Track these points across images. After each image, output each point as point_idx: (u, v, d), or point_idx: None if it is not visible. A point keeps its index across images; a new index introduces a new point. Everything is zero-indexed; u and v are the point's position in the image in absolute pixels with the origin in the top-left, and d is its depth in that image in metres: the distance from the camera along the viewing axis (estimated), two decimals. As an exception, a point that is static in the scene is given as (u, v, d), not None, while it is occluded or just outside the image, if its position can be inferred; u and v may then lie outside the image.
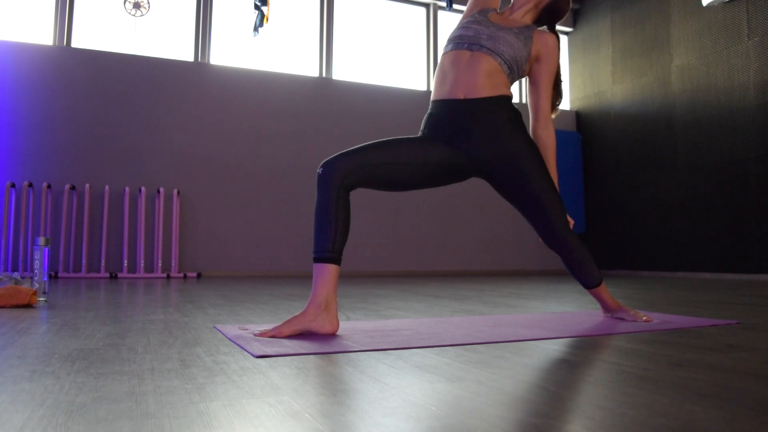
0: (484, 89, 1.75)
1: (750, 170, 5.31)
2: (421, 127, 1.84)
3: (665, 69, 6.15)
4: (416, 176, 1.71)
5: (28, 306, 2.22)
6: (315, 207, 1.60)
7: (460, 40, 1.82)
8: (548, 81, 1.88)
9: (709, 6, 5.65)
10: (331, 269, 1.55)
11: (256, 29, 5.50)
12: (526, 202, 1.81)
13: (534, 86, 1.90)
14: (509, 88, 1.83)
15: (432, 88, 1.88)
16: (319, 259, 1.56)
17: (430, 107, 1.85)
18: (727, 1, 5.51)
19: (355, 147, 1.67)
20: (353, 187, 1.62)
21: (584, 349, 1.37)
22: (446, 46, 1.88)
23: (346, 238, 1.59)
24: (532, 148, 1.81)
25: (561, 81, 1.99)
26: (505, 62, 1.78)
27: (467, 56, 1.79)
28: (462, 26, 1.87)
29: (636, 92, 6.49)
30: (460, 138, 1.75)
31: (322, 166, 1.61)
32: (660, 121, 6.18)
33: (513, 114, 1.80)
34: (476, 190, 6.29)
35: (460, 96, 1.76)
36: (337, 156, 1.63)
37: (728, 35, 5.53)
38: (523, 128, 1.82)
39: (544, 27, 2.01)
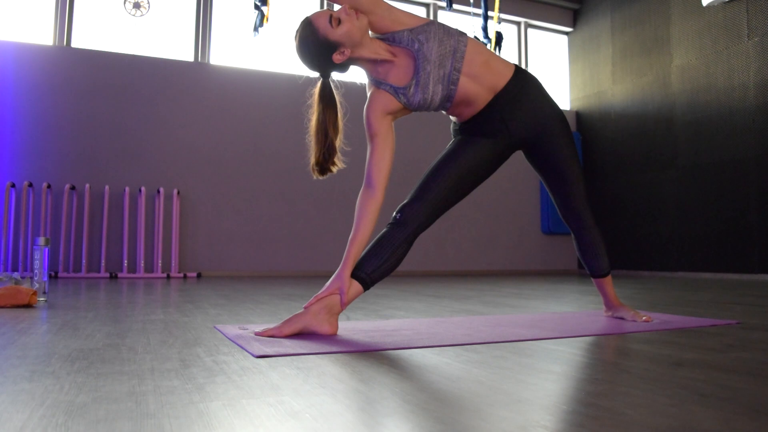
0: (498, 81, 1.72)
1: (750, 170, 5.31)
2: (454, 130, 1.83)
3: (665, 69, 6.15)
4: (476, 183, 1.79)
5: (28, 306, 2.21)
6: (381, 234, 1.64)
7: (445, 100, 1.67)
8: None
9: (709, 6, 5.65)
10: (355, 287, 1.58)
11: (256, 29, 5.49)
12: (550, 169, 1.83)
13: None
14: (505, 61, 1.78)
15: (455, 119, 1.83)
16: (353, 273, 1.58)
17: (459, 123, 1.81)
18: (727, 1, 5.51)
19: (422, 186, 1.70)
20: (424, 230, 1.69)
21: (584, 349, 1.37)
22: (442, 108, 1.72)
23: (388, 275, 1.63)
24: (561, 116, 1.83)
25: None
26: (466, 34, 1.69)
27: (462, 92, 1.68)
28: (422, 90, 1.65)
29: (636, 92, 6.49)
30: (497, 125, 1.75)
31: (401, 213, 1.66)
32: (660, 121, 6.18)
33: (534, 83, 1.79)
34: (476, 190, 6.28)
35: (489, 98, 1.72)
36: (413, 203, 1.66)
37: (728, 35, 5.53)
38: (548, 95, 1.82)
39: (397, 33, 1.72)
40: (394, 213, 1.67)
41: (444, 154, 1.77)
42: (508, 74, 1.74)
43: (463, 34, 1.68)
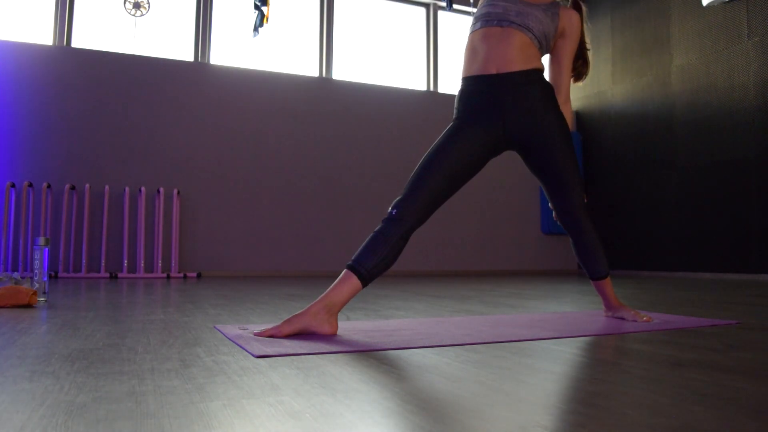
0: (517, 63, 1.77)
1: (750, 170, 5.31)
2: (455, 104, 1.86)
3: (665, 69, 6.15)
4: (469, 176, 1.78)
5: (28, 306, 2.21)
6: (377, 230, 1.64)
7: (488, 18, 1.83)
8: (571, 57, 1.93)
9: (709, 6, 5.65)
10: (355, 283, 1.57)
11: (256, 29, 5.50)
12: (549, 175, 1.84)
13: (557, 62, 1.93)
14: (540, 61, 1.85)
15: (462, 66, 1.91)
16: (353, 269, 1.58)
17: (461, 84, 1.87)
18: (727, 1, 5.51)
19: (415, 181, 1.69)
20: (420, 226, 1.70)
21: (584, 349, 1.37)
22: (474, 24, 1.88)
23: (386, 271, 1.64)
24: (563, 124, 1.84)
25: (588, 49, 2.00)
26: (535, 37, 1.81)
27: (498, 32, 1.80)
28: (488, 3, 1.86)
29: (636, 92, 6.49)
30: (493, 113, 1.77)
31: (396, 208, 1.65)
32: (660, 121, 6.18)
33: (546, 88, 1.82)
34: (475, 190, 6.29)
35: (493, 71, 1.78)
36: (408, 199, 1.65)
37: (728, 35, 5.53)
38: (555, 103, 1.84)
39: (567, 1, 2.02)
40: (390, 209, 1.66)
41: (436, 146, 1.76)
42: (526, 66, 1.78)
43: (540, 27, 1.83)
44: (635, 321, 1.83)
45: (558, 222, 1.93)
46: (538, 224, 6.90)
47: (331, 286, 1.57)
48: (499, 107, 1.77)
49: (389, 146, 6.14)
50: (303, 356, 1.23)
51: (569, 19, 1.89)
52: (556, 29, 1.87)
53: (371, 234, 1.65)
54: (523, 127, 1.78)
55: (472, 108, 1.80)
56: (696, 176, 5.79)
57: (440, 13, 6.77)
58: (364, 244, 1.63)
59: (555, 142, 1.80)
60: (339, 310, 1.56)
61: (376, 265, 1.59)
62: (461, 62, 1.91)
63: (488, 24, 1.82)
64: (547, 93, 1.82)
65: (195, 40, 5.71)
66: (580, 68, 2.00)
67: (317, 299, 1.56)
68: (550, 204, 1.92)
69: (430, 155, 1.74)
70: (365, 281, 1.59)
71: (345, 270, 1.59)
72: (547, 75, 1.91)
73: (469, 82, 1.83)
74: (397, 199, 1.67)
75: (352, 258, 1.60)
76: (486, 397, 0.89)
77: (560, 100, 1.90)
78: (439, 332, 1.59)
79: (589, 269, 1.93)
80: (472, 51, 1.85)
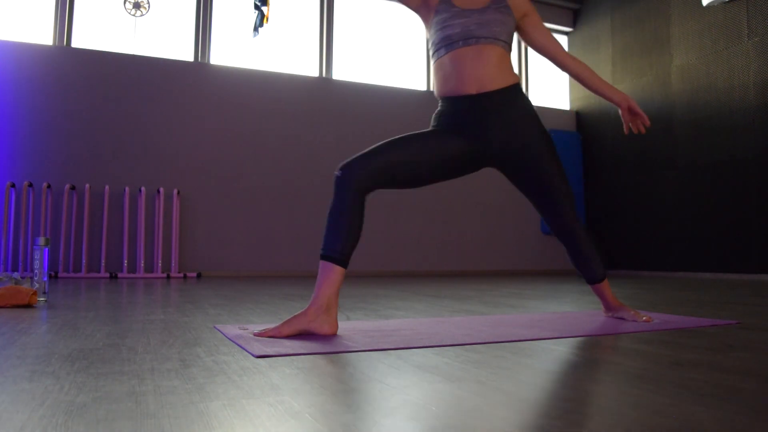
0: (495, 81, 1.74)
1: (750, 170, 5.31)
2: (432, 123, 1.83)
3: (665, 69, 6.15)
4: (434, 173, 1.72)
5: (28, 306, 2.22)
6: (330, 207, 1.60)
7: (450, 41, 1.75)
8: (542, 25, 1.88)
9: (709, 6, 5.65)
10: (336, 271, 1.56)
11: (256, 29, 5.49)
12: (537, 191, 1.83)
13: (536, 34, 1.87)
14: (514, 72, 1.82)
15: (435, 88, 1.84)
16: (327, 258, 1.56)
17: (440, 104, 1.83)
18: (727, 1, 5.51)
19: (372, 148, 1.65)
20: (371, 190, 1.63)
21: (584, 349, 1.37)
22: (437, 52, 1.79)
23: (357, 242, 1.60)
24: (546, 138, 1.82)
25: None
26: (507, 43, 1.78)
27: (468, 51, 1.73)
28: (441, 27, 1.76)
29: (636, 92, 6.49)
30: (475, 131, 1.75)
31: (341, 169, 1.61)
32: (660, 121, 6.18)
33: (527, 104, 1.81)
34: (476, 190, 6.29)
35: (473, 91, 1.74)
36: (355, 159, 1.61)
37: (728, 35, 5.53)
38: (536, 117, 1.83)
39: None
40: (335, 172, 1.63)
41: (415, 133, 1.74)
42: (506, 83, 1.76)
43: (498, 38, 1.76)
44: (635, 321, 1.83)
45: (553, 233, 1.91)
46: (538, 224, 6.90)
47: (316, 285, 1.57)
48: (480, 126, 1.75)
49: (389, 146, 6.13)
50: (303, 356, 1.23)
51: (518, 2, 1.83)
52: (515, 20, 1.82)
53: (327, 216, 1.62)
54: (506, 144, 1.77)
55: (455, 122, 1.77)
56: (696, 176, 5.79)
57: (440, 13, 6.76)
58: (325, 228, 1.59)
59: (542, 157, 1.78)
60: (336, 303, 1.56)
61: (345, 240, 1.56)
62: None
63: (453, 47, 1.74)
64: (528, 108, 1.81)
65: (195, 40, 5.71)
66: None
67: (311, 302, 1.55)
68: (542, 217, 1.90)
69: (402, 135, 1.71)
70: (344, 263, 1.56)
71: (320, 262, 1.57)
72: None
73: (448, 102, 1.79)
74: (344, 161, 1.64)
75: (321, 247, 1.58)
76: (486, 397, 0.89)
77: (567, 59, 1.85)
78: (439, 332, 1.59)
79: (586, 274, 1.93)
80: (443, 74, 1.78)
